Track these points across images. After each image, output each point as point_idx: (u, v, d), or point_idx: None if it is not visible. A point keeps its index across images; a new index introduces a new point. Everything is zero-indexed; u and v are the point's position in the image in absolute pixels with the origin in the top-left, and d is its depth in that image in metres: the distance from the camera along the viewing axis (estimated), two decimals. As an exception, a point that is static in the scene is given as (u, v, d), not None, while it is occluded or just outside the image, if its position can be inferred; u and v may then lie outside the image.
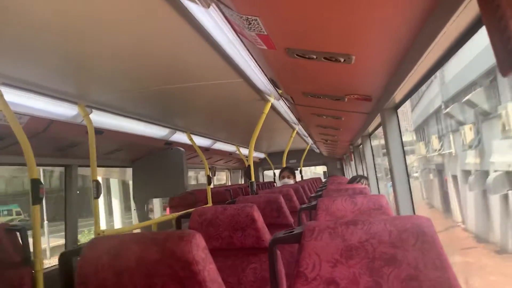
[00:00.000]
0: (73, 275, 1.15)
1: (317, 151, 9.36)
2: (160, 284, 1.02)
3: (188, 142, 4.74)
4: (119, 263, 1.03)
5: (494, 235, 10.36)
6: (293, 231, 1.09)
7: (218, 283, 1.06)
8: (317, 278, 1.00)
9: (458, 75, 12.51)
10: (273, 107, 3.45)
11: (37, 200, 2.13)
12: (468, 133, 12.24)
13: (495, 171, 9.59)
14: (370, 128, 3.85)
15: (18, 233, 1.96)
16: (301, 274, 1.01)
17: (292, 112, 3.89)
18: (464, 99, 11.82)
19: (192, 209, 2.19)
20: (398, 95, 2.03)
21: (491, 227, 10.53)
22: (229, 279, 1.77)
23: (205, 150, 5.77)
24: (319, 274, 1.00)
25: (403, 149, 2.33)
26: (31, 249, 2.11)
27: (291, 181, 5.35)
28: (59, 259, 1.15)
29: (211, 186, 5.23)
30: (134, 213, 5.19)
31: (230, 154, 7.15)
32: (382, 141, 2.84)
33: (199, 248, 1.03)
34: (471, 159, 11.86)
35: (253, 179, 3.60)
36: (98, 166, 2.86)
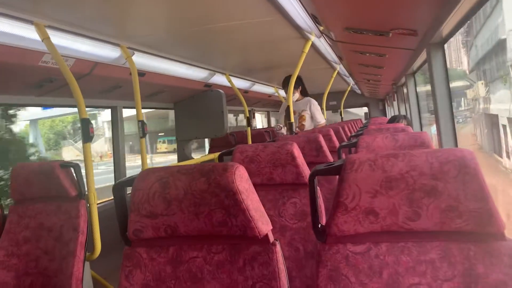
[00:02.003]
0: (126, 203, 1.23)
1: (358, 92, 9.16)
2: (207, 211, 1.08)
3: (228, 84, 4.76)
4: (168, 192, 1.10)
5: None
6: (333, 163, 1.11)
7: (261, 211, 1.11)
8: (357, 208, 1.03)
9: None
10: (313, 46, 3.37)
11: (87, 138, 2.25)
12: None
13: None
14: (415, 66, 3.71)
15: (72, 169, 2.09)
16: (341, 204, 1.04)
17: (333, 50, 3.79)
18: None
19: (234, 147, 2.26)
20: (446, 28, 1.93)
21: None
22: (270, 212, 1.84)
23: (244, 92, 5.78)
24: (359, 204, 1.02)
25: (448, 86, 2.25)
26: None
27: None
28: (113, 189, 1.23)
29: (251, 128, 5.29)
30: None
31: (269, 96, 7.14)
32: (428, 87, 2.73)
33: (242, 179, 1.07)
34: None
35: (292, 120, 3.61)
36: (142, 107, 2.95)
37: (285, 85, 4.26)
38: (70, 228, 2.02)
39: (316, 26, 2.74)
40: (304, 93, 4.46)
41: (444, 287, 0.97)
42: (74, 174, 2.11)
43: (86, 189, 2.16)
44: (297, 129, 4.27)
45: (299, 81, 4.36)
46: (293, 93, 4.10)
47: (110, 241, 2.38)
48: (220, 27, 2.70)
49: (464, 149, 1.01)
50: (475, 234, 0.97)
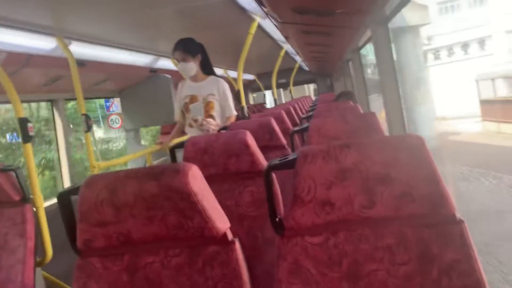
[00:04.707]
0: (73, 212, 1.17)
1: (307, 68, 9.24)
2: (161, 215, 1.04)
3: (174, 68, 4.63)
4: (118, 199, 1.05)
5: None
6: (287, 157, 1.09)
7: (217, 210, 1.09)
8: (313, 200, 1.03)
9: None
10: (260, 27, 3.34)
11: (27, 138, 2.12)
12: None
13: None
14: (360, 43, 3.77)
15: (13, 173, 1.96)
16: (297, 198, 1.03)
17: (280, 30, 3.77)
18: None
19: (185, 137, 2.20)
20: (389, 7, 1.95)
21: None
22: (227, 202, 1.82)
23: None
24: (315, 196, 1.02)
25: (393, 64, 2.29)
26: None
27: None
28: (58, 199, 1.16)
29: None
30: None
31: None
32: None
33: (196, 179, 1.04)
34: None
35: (243, 103, 3.58)
36: (85, 98, 2.81)
37: (176, 49, 2.89)
38: (16, 235, 1.90)
39: (261, 7, 2.70)
40: (207, 70, 3.02)
41: (401, 271, 1.00)
42: (17, 178, 1.98)
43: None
44: (201, 124, 2.86)
45: (198, 48, 2.94)
46: (186, 61, 2.87)
47: (64, 242, 2.28)
48: (163, 10, 2.60)
49: (414, 134, 1.02)
50: (428, 218, 1.00)
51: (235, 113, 3.03)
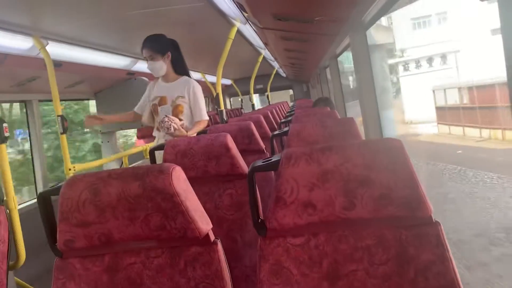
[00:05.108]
0: (53, 213, 1.15)
1: (284, 75, 9.32)
2: (143, 216, 1.04)
3: None
4: (100, 198, 1.04)
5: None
6: (271, 159, 1.11)
7: (200, 211, 1.09)
8: (295, 201, 1.04)
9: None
10: (239, 32, 3.36)
11: (1, 139, 2.07)
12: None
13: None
14: (338, 50, 3.84)
15: None
16: (279, 199, 1.05)
17: (259, 36, 3.80)
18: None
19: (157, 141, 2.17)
20: (368, 15, 2.00)
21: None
22: (207, 205, 1.82)
23: None
24: (297, 198, 1.04)
25: (371, 72, 2.35)
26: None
27: None
28: (38, 199, 1.14)
29: None
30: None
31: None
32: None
33: (179, 180, 1.05)
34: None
35: (222, 107, 3.59)
36: (61, 100, 2.76)
37: (144, 46, 2.66)
38: None
39: (241, 12, 2.72)
40: (179, 69, 2.76)
41: (380, 271, 1.03)
42: None
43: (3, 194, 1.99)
44: (162, 121, 2.54)
45: (168, 45, 2.69)
46: (154, 59, 2.63)
47: (34, 245, 2.22)
48: (142, 13, 2.59)
49: (393, 139, 1.05)
50: (406, 219, 1.03)
51: (206, 118, 2.74)
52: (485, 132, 11.06)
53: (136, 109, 2.87)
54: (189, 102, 2.69)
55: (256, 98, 10.94)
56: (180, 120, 2.62)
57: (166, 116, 2.52)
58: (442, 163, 9.10)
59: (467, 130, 12.18)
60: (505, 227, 5.09)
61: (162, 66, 2.66)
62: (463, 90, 13.89)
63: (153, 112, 2.74)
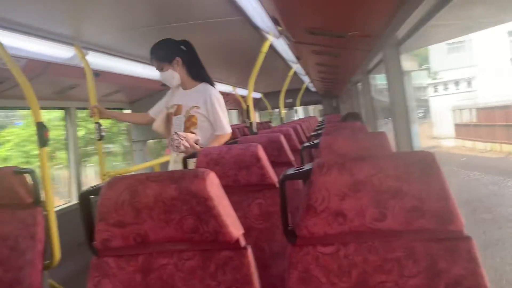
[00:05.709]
0: (92, 212, 1.20)
1: (313, 89, 9.33)
2: (178, 218, 1.08)
3: None
4: (138, 200, 1.08)
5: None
6: (303, 168, 1.13)
7: (232, 217, 1.12)
8: (326, 210, 1.05)
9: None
10: (272, 46, 3.40)
11: (43, 143, 2.17)
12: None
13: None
14: (371, 65, 3.83)
15: (28, 175, 2.00)
16: (310, 207, 1.06)
17: (291, 50, 3.84)
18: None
19: (166, 157, 2.20)
20: (401, 31, 2.01)
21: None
22: (236, 213, 1.85)
23: None
24: (328, 207, 1.05)
25: (403, 87, 2.34)
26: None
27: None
28: (79, 198, 1.20)
29: None
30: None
31: (226, 94, 7.13)
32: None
33: (213, 185, 1.08)
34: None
35: (252, 119, 3.63)
36: None
37: (152, 55, 2.42)
38: (26, 237, 1.93)
39: (275, 27, 2.77)
40: (195, 74, 2.46)
41: (409, 284, 1.02)
42: (31, 180, 2.02)
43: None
44: (171, 139, 2.26)
45: (175, 50, 2.42)
46: (163, 69, 2.41)
47: (68, 247, 2.30)
48: (179, 26, 2.66)
49: (426, 151, 1.06)
50: (437, 232, 1.02)
51: (228, 131, 2.42)
52: (488, 145, 14.81)
53: (151, 112, 2.66)
54: (207, 113, 2.38)
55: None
56: (194, 134, 2.32)
57: (176, 133, 2.23)
58: (447, 167, 10.78)
59: (476, 143, 15.78)
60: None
61: (173, 74, 2.40)
62: (473, 110, 17.53)
63: (168, 121, 2.48)
